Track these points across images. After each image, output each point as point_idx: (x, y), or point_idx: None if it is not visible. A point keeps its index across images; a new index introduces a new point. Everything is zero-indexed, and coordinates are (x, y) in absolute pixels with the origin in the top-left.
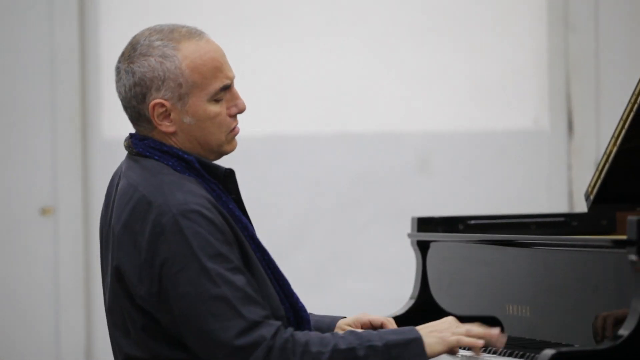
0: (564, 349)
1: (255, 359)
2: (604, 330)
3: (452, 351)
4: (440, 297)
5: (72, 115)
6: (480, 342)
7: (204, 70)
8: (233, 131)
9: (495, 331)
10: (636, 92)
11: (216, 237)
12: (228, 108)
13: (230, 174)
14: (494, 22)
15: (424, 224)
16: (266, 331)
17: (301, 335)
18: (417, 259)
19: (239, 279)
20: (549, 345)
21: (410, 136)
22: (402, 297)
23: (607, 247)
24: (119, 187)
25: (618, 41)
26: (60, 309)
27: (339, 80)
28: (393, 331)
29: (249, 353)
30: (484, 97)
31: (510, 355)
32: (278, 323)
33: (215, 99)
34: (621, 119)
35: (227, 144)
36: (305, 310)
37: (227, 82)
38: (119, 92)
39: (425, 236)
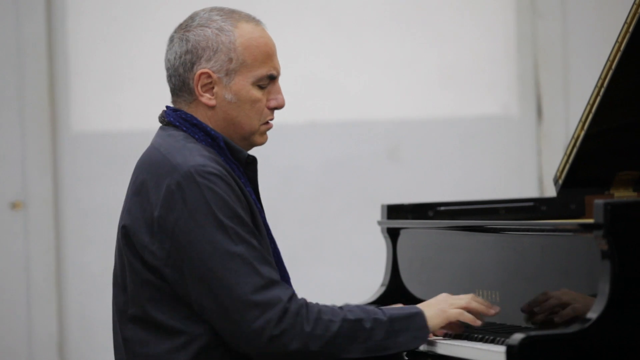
0: (533, 333)
1: (269, 319)
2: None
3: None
4: (411, 283)
5: (40, 109)
6: (479, 322)
7: (256, 52)
8: (267, 124)
9: (495, 310)
10: (603, 77)
11: (233, 200)
12: (268, 100)
13: (252, 161)
14: (462, 9)
15: (394, 211)
16: (282, 293)
17: (314, 304)
18: (387, 246)
19: (255, 243)
20: (519, 329)
21: (380, 124)
22: (373, 284)
23: (575, 230)
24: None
25: (585, 27)
26: (32, 303)
27: (308, 69)
28: (395, 307)
29: (264, 311)
30: (452, 84)
31: (480, 340)
32: (293, 289)
33: (260, 84)
34: (588, 103)
35: (258, 135)
36: None
37: (274, 72)
38: (168, 60)
39: (395, 223)
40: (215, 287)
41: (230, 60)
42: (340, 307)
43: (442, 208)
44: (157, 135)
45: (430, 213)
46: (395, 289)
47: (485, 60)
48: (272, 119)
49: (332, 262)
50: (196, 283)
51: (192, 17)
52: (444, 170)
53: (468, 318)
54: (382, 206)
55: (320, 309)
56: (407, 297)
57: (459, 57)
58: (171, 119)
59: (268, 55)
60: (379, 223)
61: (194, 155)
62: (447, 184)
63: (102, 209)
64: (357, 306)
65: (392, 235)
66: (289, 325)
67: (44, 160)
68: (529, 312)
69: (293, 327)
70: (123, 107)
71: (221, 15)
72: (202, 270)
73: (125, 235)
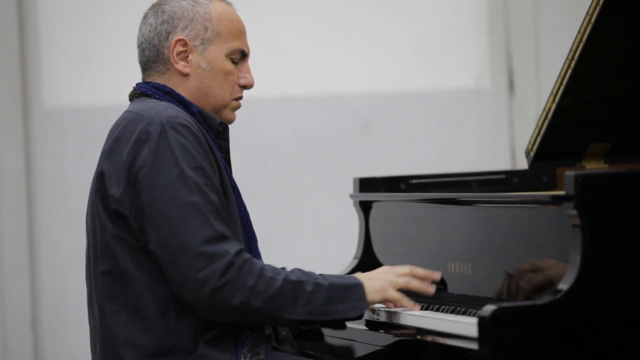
0: (504, 304)
1: (214, 270)
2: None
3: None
4: (383, 256)
5: (11, 84)
6: (417, 307)
7: (230, 25)
8: (237, 101)
9: (432, 289)
10: (573, 49)
11: (199, 152)
12: (238, 77)
13: (224, 129)
14: None
15: (366, 184)
16: (231, 247)
17: (257, 260)
18: (359, 219)
19: (214, 197)
20: (491, 301)
21: (352, 98)
22: (345, 257)
23: (546, 202)
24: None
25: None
26: (4, 279)
27: (280, 43)
28: (336, 275)
29: (210, 262)
30: (425, 57)
31: (452, 312)
32: (241, 245)
33: (232, 58)
34: (559, 75)
35: (229, 110)
36: None
37: (246, 49)
38: (142, 34)
39: (367, 196)
40: (167, 234)
41: (206, 29)
42: (282, 268)
43: (414, 181)
44: (129, 105)
45: (403, 186)
46: (368, 262)
47: (457, 33)
48: (241, 98)
49: (304, 235)
50: (151, 230)
51: None
52: (416, 143)
53: (407, 304)
54: (355, 179)
55: (263, 266)
56: None
57: (431, 30)
58: (143, 89)
59: (241, 31)
60: (352, 196)
61: (167, 109)
62: (420, 157)
63: (74, 183)
64: (299, 269)
65: (365, 208)
66: (233, 278)
67: (16, 135)
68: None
69: (236, 280)
70: (95, 82)
71: None
72: (158, 217)
73: (99, 189)
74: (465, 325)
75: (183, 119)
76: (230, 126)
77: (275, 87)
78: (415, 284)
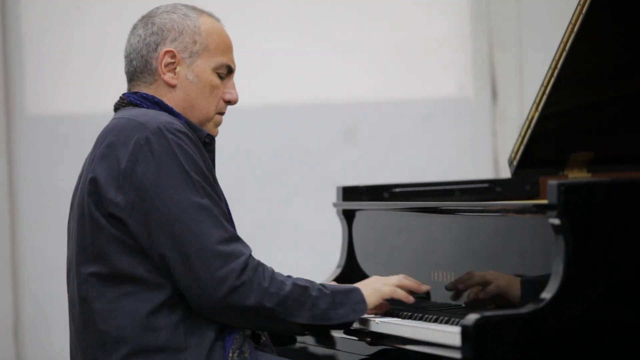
0: (487, 313)
1: (232, 269)
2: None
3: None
4: (366, 265)
5: None
6: (411, 299)
7: (218, 40)
8: (220, 115)
9: (425, 288)
10: (556, 58)
11: (199, 158)
12: (224, 92)
13: (211, 140)
14: None
15: (349, 192)
16: (244, 248)
17: (267, 266)
18: (343, 228)
19: (218, 201)
20: (473, 310)
21: (335, 106)
22: (329, 266)
23: (529, 211)
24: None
25: (540, 7)
26: None
27: (263, 52)
28: (333, 284)
29: (228, 261)
30: (407, 65)
31: (435, 321)
32: (250, 248)
33: (219, 72)
34: (542, 84)
35: (212, 124)
36: None
37: (232, 65)
38: (130, 45)
39: (350, 205)
40: (180, 236)
41: (195, 42)
42: (288, 275)
43: (398, 190)
44: (118, 113)
45: (386, 194)
46: (351, 271)
47: (440, 42)
48: (223, 113)
49: (288, 244)
50: (160, 233)
51: (156, 7)
52: (399, 152)
53: (401, 295)
54: (338, 188)
55: (273, 270)
56: (363, 278)
57: (414, 38)
58: (131, 99)
59: (228, 47)
60: (335, 205)
61: (160, 115)
62: (403, 166)
63: (57, 192)
64: (301, 278)
65: (348, 216)
66: (249, 278)
67: None
68: (455, 290)
69: (252, 281)
70: (78, 90)
71: (185, 6)
72: (169, 220)
73: (92, 193)
74: (448, 334)
75: (179, 125)
76: None
77: (259, 95)
78: (400, 294)
